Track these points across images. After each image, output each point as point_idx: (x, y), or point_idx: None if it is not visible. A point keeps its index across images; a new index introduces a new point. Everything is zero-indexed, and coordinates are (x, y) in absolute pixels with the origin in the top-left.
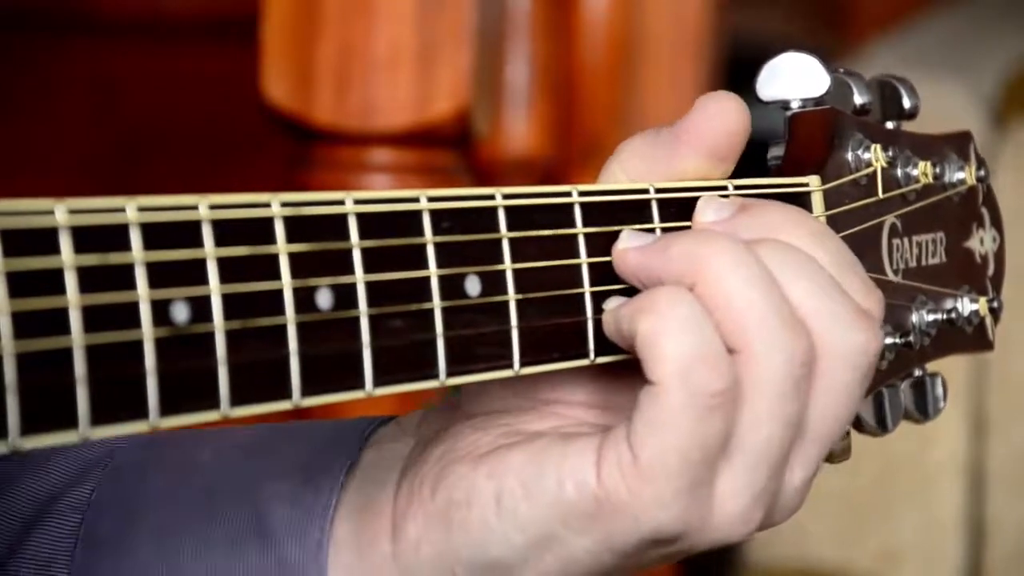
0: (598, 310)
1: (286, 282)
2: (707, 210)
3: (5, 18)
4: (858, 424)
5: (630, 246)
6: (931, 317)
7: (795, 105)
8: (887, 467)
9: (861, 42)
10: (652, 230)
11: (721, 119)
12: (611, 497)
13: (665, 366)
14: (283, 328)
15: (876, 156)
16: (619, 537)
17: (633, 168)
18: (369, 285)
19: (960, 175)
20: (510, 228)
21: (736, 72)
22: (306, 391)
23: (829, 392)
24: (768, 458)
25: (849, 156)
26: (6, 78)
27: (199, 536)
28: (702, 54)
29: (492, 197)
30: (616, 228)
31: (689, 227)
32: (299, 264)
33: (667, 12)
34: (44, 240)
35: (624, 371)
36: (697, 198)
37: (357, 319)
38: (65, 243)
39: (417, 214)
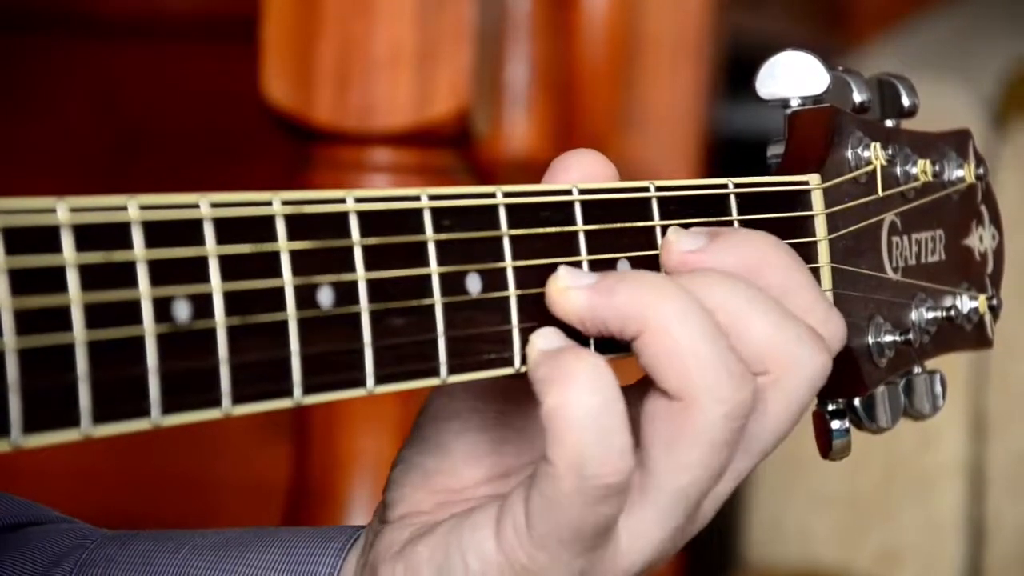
0: None
1: (287, 280)
2: (680, 242)
3: (5, 18)
4: (857, 422)
5: (573, 284)
6: (930, 315)
7: (794, 103)
8: (887, 467)
9: (861, 42)
10: (651, 228)
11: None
12: (511, 561)
13: (563, 452)
14: (284, 325)
15: (876, 154)
16: None
17: None
18: (370, 283)
19: (959, 173)
20: (511, 226)
21: (736, 72)
22: (307, 389)
23: (773, 416)
24: (688, 500)
25: (849, 154)
26: (6, 78)
27: None
28: (702, 54)
29: (493, 195)
30: (616, 225)
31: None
32: (300, 262)
33: (667, 12)
34: (46, 238)
35: (519, 435)
36: (697, 196)
37: (358, 317)
38: (67, 241)
39: (418, 212)
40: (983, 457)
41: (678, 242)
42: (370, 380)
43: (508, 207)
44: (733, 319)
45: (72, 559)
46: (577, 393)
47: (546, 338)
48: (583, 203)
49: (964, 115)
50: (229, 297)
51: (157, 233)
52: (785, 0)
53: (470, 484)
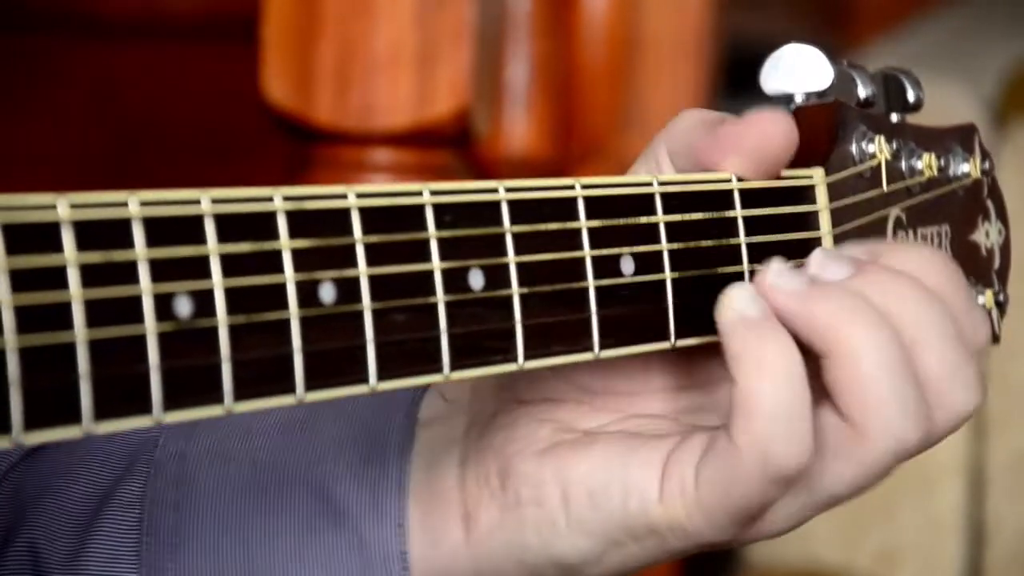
0: (602, 304)
1: (289, 276)
2: (828, 267)
3: (5, 18)
4: None
5: (779, 286)
6: None
7: (799, 98)
8: None
9: (861, 42)
10: (655, 225)
11: (775, 139)
12: (669, 516)
13: (749, 437)
14: (286, 323)
15: (880, 148)
16: (673, 546)
17: (677, 148)
18: (372, 279)
19: (965, 168)
20: (513, 222)
21: (736, 72)
22: (310, 386)
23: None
24: (828, 505)
25: (853, 149)
26: (6, 78)
27: (263, 522)
28: (702, 54)
29: (495, 191)
30: (620, 221)
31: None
32: (302, 258)
33: (667, 12)
34: (46, 235)
35: (665, 355)
36: (701, 191)
37: (360, 313)
38: (67, 238)
39: (420, 208)
40: (983, 457)
41: (825, 268)
42: (372, 377)
43: (511, 203)
44: (919, 342)
45: (145, 458)
46: (772, 382)
47: (745, 300)
48: (586, 199)
49: (964, 115)
50: (231, 294)
51: (158, 229)
52: (785, 0)
53: (616, 392)
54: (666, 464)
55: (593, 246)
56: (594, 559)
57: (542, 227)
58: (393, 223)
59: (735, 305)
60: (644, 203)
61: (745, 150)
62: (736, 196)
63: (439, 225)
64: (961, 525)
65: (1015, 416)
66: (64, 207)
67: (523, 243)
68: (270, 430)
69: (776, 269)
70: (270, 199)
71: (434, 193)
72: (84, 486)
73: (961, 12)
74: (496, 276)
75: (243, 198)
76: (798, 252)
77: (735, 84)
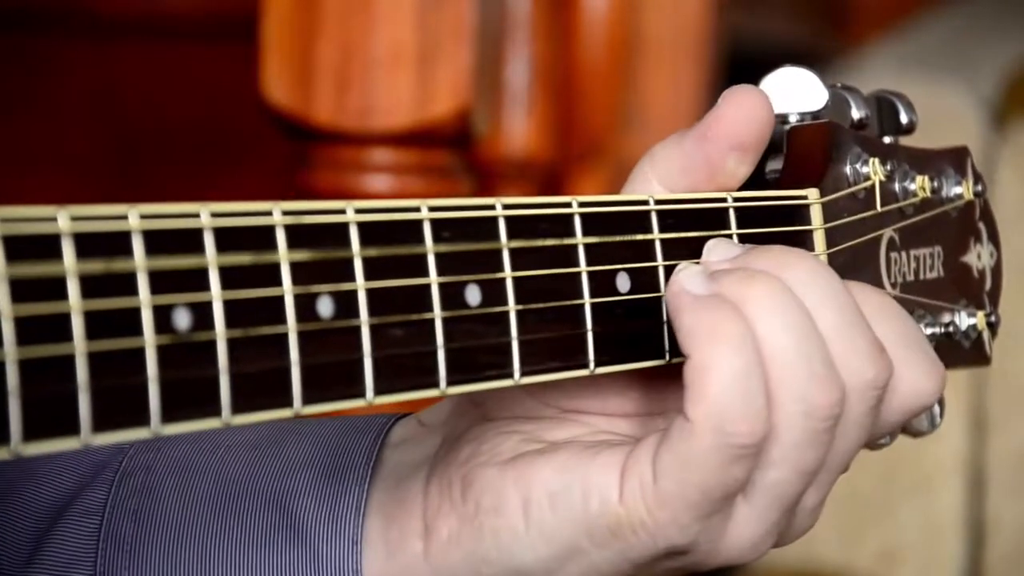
0: (597, 321)
1: (287, 290)
2: (715, 250)
3: (5, 18)
4: None
5: (684, 288)
6: (929, 331)
7: (793, 119)
8: (887, 467)
9: (861, 42)
10: (651, 242)
11: (748, 109)
12: (631, 516)
13: (704, 409)
14: (284, 336)
15: (874, 170)
16: (637, 551)
17: (667, 173)
18: (370, 293)
19: (958, 190)
20: (510, 237)
21: (736, 72)
22: (307, 399)
23: (851, 431)
24: (784, 499)
25: (847, 170)
26: (6, 78)
27: (221, 534)
28: (702, 54)
29: (492, 207)
30: (616, 238)
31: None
32: (300, 272)
33: (667, 12)
34: (47, 246)
35: (644, 382)
36: (696, 210)
37: (358, 327)
38: (67, 250)
39: (418, 223)
40: (983, 456)
41: (712, 252)
42: (369, 391)
43: (508, 219)
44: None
45: (111, 468)
46: (725, 354)
47: (693, 280)
48: (583, 216)
49: (964, 115)
50: (229, 307)
51: (157, 242)
52: (785, 0)
53: (584, 410)
54: (625, 464)
55: (589, 263)
56: (556, 567)
57: (539, 243)
58: (391, 238)
59: (684, 284)
60: (640, 220)
61: (733, 130)
62: (732, 215)
63: (437, 240)
64: (961, 524)
65: (1015, 415)
66: (64, 219)
67: (520, 259)
68: (239, 447)
69: (691, 271)
70: (269, 213)
71: (432, 209)
72: (48, 491)
73: (961, 12)
74: (493, 292)
75: (242, 212)
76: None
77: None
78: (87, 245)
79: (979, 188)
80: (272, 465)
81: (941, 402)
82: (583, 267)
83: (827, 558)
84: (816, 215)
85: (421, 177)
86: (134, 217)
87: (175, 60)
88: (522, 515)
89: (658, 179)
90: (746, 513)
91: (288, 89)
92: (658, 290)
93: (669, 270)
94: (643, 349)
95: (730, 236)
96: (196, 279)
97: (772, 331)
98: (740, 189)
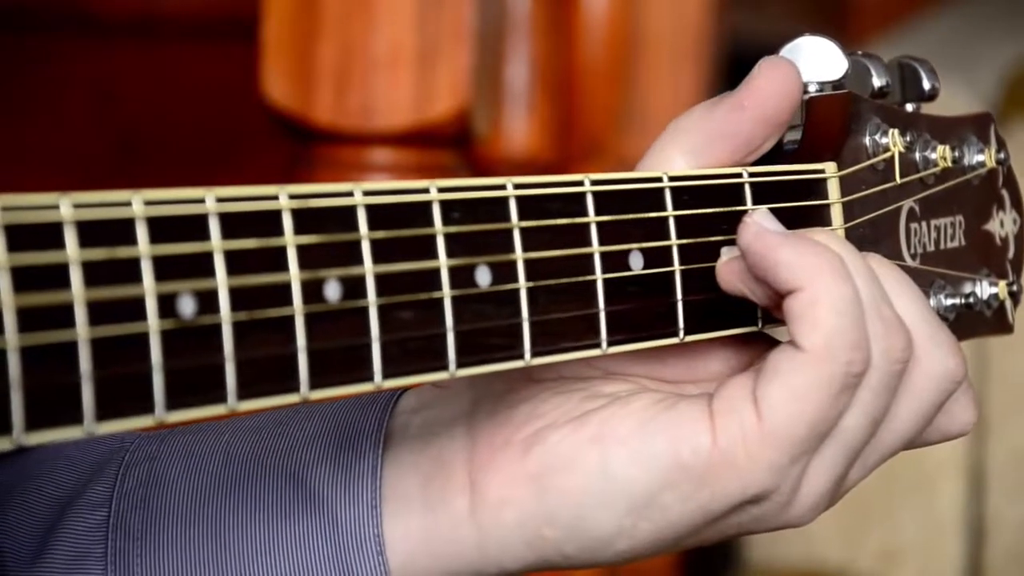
0: (610, 299)
1: (294, 274)
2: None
3: (5, 18)
4: None
5: (765, 227)
6: (949, 301)
7: (812, 88)
8: (888, 467)
9: (861, 42)
10: (665, 219)
11: (782, 83)
12: (727, 458)
13: (821, 337)
14: (291, 320)
15: (894, 141)
16: (719, 501)
17: (692, 144)
18: (378, 276)
19: (980, 157)
20: (521, 217)
21: (736, 72)
22: (314, 384)
23: (910, 405)
24: (852, 447)
25: (867, 141)
26: (6, 78)
27: (234, 510)
28: (702, 54)
29: (503, 187)
30: (629, 216)
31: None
32: (307, 256)
33: (667, 12)
34: (49, 234)
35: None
36: (711, 186)
37: (366, 311)
38: (70, 237)
39: (427, 205)
40: (983, 456)
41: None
42: (378, 375)
43: (519, 199)
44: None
45: (115, 463)
46: (836, 283)
47: (768, 220)
48: (595, 194)
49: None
50: (235, 292)
51: (162, 228)
52: (785, 0)
53: (624, 372)
54: (713, 407)
55: (602, 242)
56: (629, 524)
57: (550, 223)
58: (399, 220)
59: (764, 223)
60: (654, 198)
61: (770, 103)
62: (747, 190)
63: (446, 221)
64: (961, 524)
65: (1015, 415)
66: (67, 207)
67: (531, 239)
68: (243, 431)
69: (764, 212)
70: (275, 197)
71: (441, 190)
72: (51, 490)
73: (961, 12)
74: (503, 272)
75: (248, 196)
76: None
77: (735, 84)
78: (90, 232)
79: (1002, 155)
80: (279, 444)
81: None
82: (595, 246)
83: (828, 557)
84: (833, 189)
85: (421, 177)
86: (138, 203)
87: (175, 60)
88: (599, 472)
89: (681, 151)
90: (816, 465)
91: (288, 89)
92: (672, 266)
93: (683, 248)
94: (657, 327)
95: (746, 212)
96: (201, 264)
97: (855, 270)
98: (757, 162)
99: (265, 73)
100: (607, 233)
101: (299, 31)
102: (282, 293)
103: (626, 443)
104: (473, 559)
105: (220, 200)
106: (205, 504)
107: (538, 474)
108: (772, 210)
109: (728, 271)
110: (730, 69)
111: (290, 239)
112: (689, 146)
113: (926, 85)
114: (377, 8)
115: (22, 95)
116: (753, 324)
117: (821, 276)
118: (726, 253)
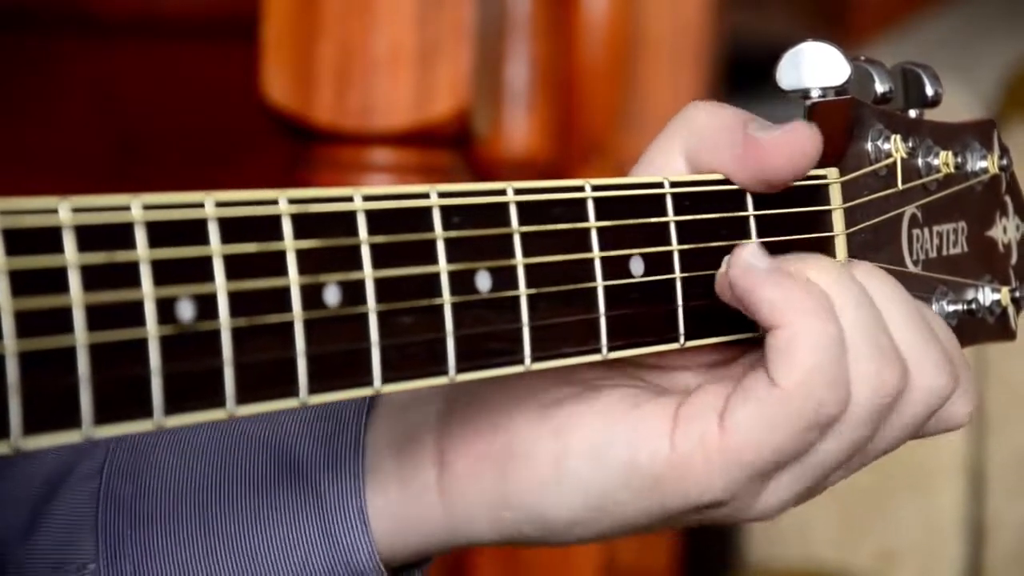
0: (610, 305)
1: (293, 279)
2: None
3: (5, 18)
4: None
5: (752, 263)
6: (951, 308)
7: (815, 94)
8: (886, 466)
9: (861, 42)
10: (666, 225)
11: (798, 157)
12: (683, 466)
13: (798, 377)
14: (290, 325)
15: (896, 147)
16: (675, 502)
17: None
18: (378, 281)
19: (983, 164)
20: (522, 223)
21: (736, 72)
22: (313, 389)
23: (899, 423)
24: (823, 469)
25: (869, 147)
26: (6, 78)
27: (221, 485)
28: (702, 54)
29: (503, 192)
30: (629, 222)
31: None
32: (307, 261)
33: (667, 12)
34: (48, 239)
35: None
36: (712, 192)
37: (366, 316)
38: (69, 241)
39: (427, 210)
40: (983, 456)
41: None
42: (377, 380)
43: (519, 204)
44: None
45: (103, 442)
46: (816, 324)
47: (758, 255)
48: (596, 200)
49: (964, 115)
50: (234, 297)
51: (161, 233)
52: (785, 0)
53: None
54: (677, 417)
55: (603, 247)
56: (586, 517)
57: (551, 228)
58: (399, 225)
59: (751, 260)
60: (655, 203)
61: (786, 170)
62: (749, 197)
63: (446, 226)
64: (961, 524)
65: (1015, 416)
66: (66, 211)
67: (531, 244)
68: (231, 423)
69: (753, 248)
70: (275, 202)
71: (442, 195)
72: (38, 468)
73: (961, 12)
74: (504, 278)
75: (248, 201)
76: (812, 252)
77: (735, 84)
78: (89, 237)
79: (1005, 162)
80: (266, 429)
81: None
82: (596, 251)
83: (827, 558)
84: (836, 195)
85: (421, 177)
86: (137, 208)
87: (175, 60)
88: (554, 466)
89: (686, 148)
90: (786, 479)
91: (288, 89)
92: (672, 273)
93: (684, 254)
94: (658, 332)
95: (747, 218)
96: (200, 269)
97: (847, 305)
98: None
99: (265, 73)
100: (608, 238)
101: (299, 31)
102: (282, 298)
103: (586, 440)
104: (442, 531)
105: (219, 204)
106: (193, 477)
107: (500, 459)
108: (772, 217)
109: (725, 285)
110: (730, 69)
111: (290, 243)
112: (698, 147)
113: (929, 91)
114: (377, 8)
115: (22, 95)
116: (753, 331)
117: (804, 316)
118: (726, 264)
